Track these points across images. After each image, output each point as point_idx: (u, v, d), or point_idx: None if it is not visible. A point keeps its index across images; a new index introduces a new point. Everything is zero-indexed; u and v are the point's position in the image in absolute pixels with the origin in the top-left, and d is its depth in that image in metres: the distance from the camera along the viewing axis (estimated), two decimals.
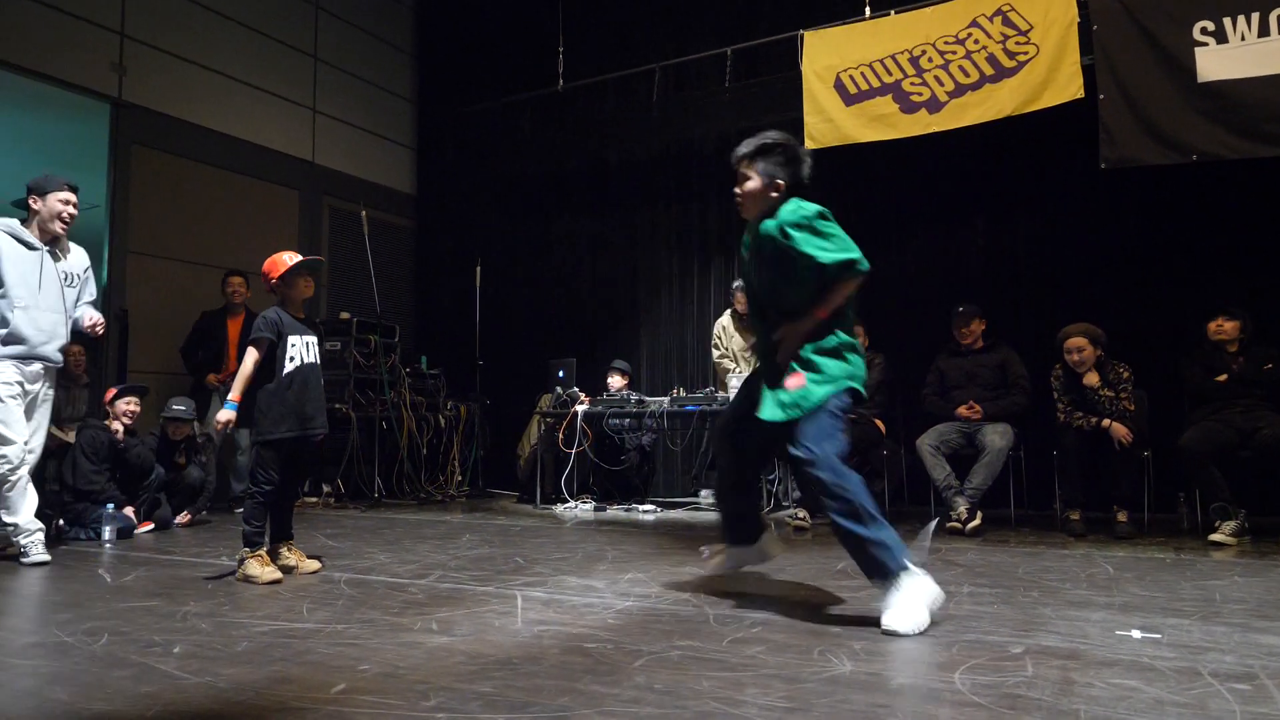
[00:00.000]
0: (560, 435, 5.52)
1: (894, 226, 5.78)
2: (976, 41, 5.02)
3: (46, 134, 6.59)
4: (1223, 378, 4.06)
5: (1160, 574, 2.98)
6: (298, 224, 6.94)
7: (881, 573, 2.18)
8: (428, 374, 6.66)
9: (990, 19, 4.99)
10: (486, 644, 2.08)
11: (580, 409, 5.50)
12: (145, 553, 3.71)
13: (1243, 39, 4.29)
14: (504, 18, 7.68)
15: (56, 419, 5.15)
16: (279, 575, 2.93)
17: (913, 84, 5.18)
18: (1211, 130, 4.34)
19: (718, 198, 6.65)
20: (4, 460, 3.38)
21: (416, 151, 8.14)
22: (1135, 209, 5.17)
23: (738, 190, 2.49)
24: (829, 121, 5.40)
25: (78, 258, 3.78)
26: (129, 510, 4.25)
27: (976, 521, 4.14)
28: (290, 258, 3.14)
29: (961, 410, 4.47)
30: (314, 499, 5.74)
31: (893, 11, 5.40)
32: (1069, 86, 4.73)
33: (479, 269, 7.11)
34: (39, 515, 3.53)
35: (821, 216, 2.34)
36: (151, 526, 4.37)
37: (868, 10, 5.54)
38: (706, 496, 5.89)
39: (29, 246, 3.54)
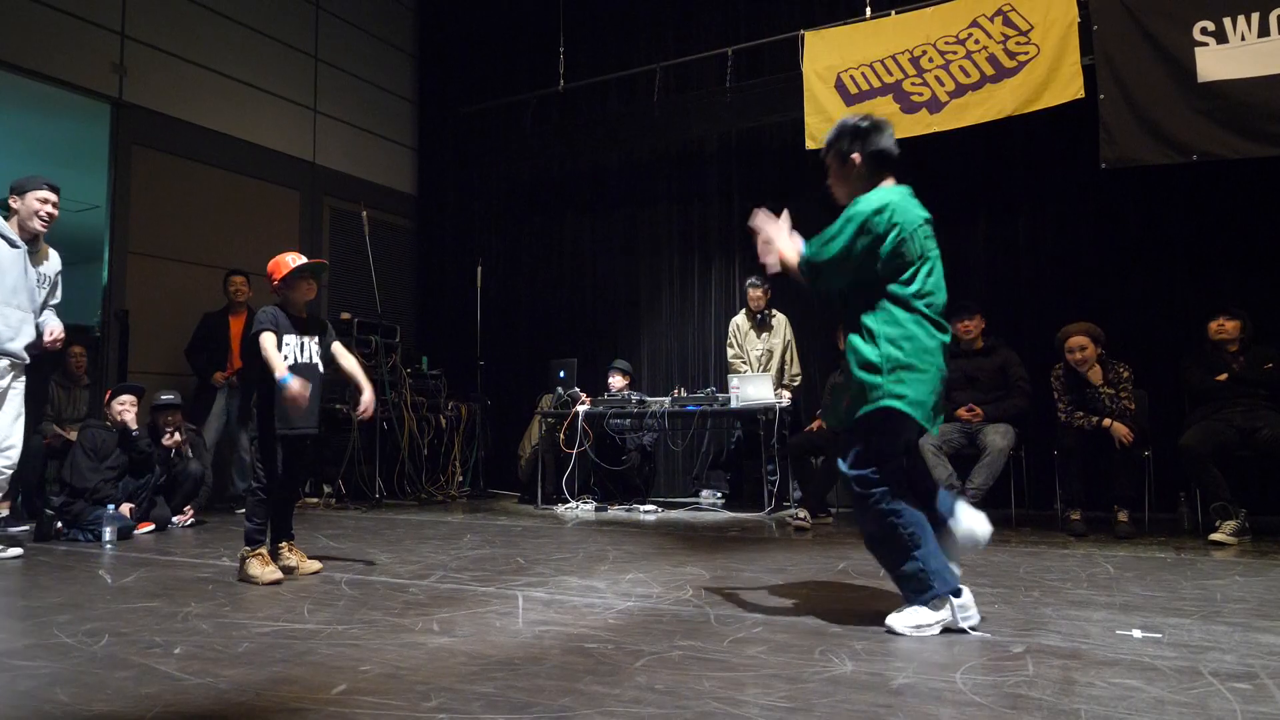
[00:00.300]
0: (561, 435, 5.52)
1: None
2: (977, 42, 5.03)
3: (47, 134, 6.60)
4: (1223, 377, 4.06)
5: (1161, 573, 2.98)
6: (298, 224, 6.95)
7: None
8: (428, 374, 6.66)
9: (991, 19, 5.00)
10: (488, 644, 2.08)
11: (581, 409, 5.50)
12: (145, 553, 3.71)
13: (1243, 39, 4.29)
14: (505, 18, 7.68)
15: (58, 419, 5.16)
16: (279, 575, 2.93)
17: (913, 84, 5.18)
18: (1211, 130, 4.34)
19: (719, 198, 6.66)
20: None
21: (417, 152, 8.15)
22: (1135, 209, 5.17)
23: (828, 182, 2.41)
24: (830, 122, 5.34)
25: (52, 262, 3.76)
26: (126, 509, 4.24)
27: None
28: (294, 259, 3.14)
29: (961, 413, 4.47)
30: (315, 499, 5.75)
31: (893, 12, 5.40)
32: (1069, 86, 4.73)
33: (480, 269, 7.12)
34: (39, 514, 3.53)
35: (862, 215, 2.18)
36: (151, 527, 4.37)
37: (868, 10, 5.55)
38: (707, 497, 5.90)
39: (11, 244, 3.54)
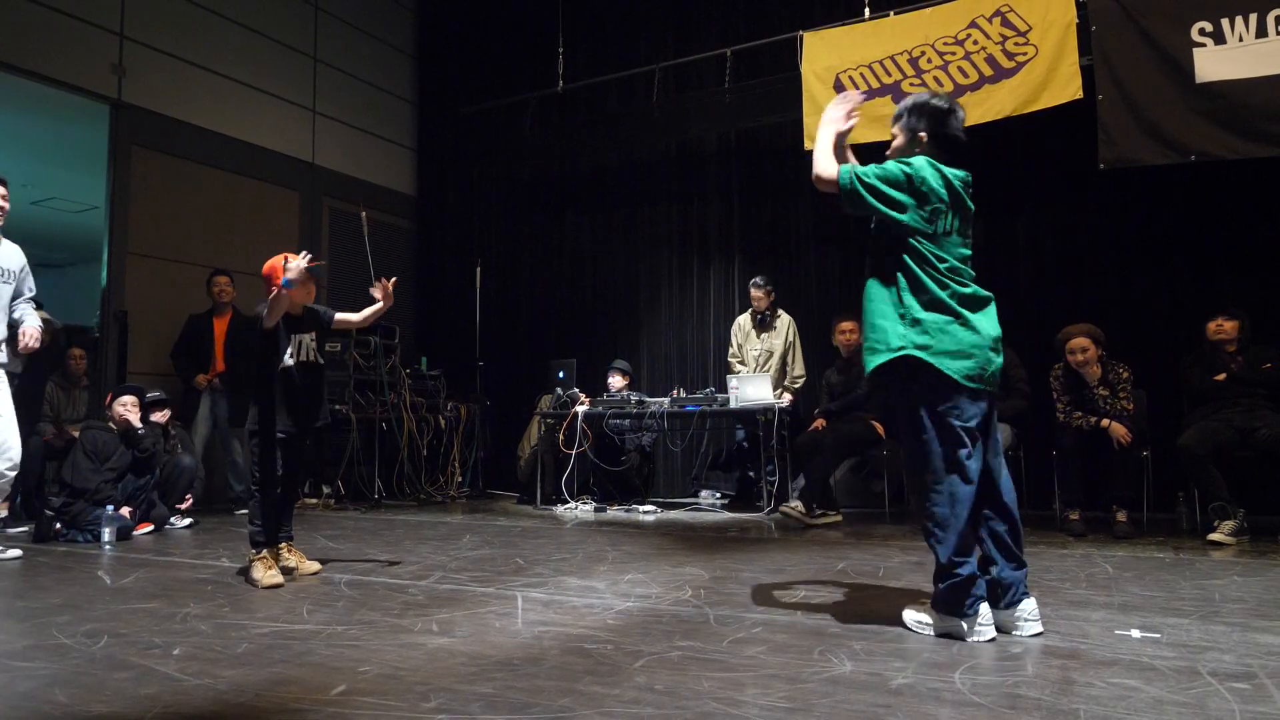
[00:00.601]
0: (560, 436, 5.52)
1: None
2: (976, 42, 5.03)
3: (46, 135, 6.59)
4: (1221, 377, 4.07)
5: (1159, 573, 2.99)
6: (298, 225, 6.94)
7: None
8: (428, 375, 6.66)
9: (989, 20, 5.00)
10: (487, 645, 2.08)
11: (580, 409, 5.50)
12: (144, 554, 3.71)
13: (1240, 40, 4.30)
14: (504, 18, 7.69)
15: (57, 420, 5.16)
16: (280, 580, 2.92)
17: (912, 85, 5.18)
18: (1210, 130, 4.35)
19: (718, 198, 6.66)
20: None
21: (416, 152, 8.14)
22: (1134, 209, 5.17)
23: (887, 153, 2.40)
24: None
25: (11, 254, 3.66)
26: (126, 512, 4.24)
27: None
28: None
29: None
30: (314, 500, 5.74)
31: (892, 13, 5.40)
32: (1068, 87, 4.74)
33: (479, 270, 7.12)
34: (39, 515, 3.52)
35: (902, 171, 2.21)
36: (150, 528, 4.37)
37: (867, 11, 5.55)
38: (706, 497, 5.90)
39: None
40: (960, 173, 2.28)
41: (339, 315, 3.31)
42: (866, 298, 2.30)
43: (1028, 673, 1.82)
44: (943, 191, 2.21)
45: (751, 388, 5.11)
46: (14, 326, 3.59)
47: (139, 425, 4.34)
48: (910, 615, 2.21)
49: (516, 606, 2.53)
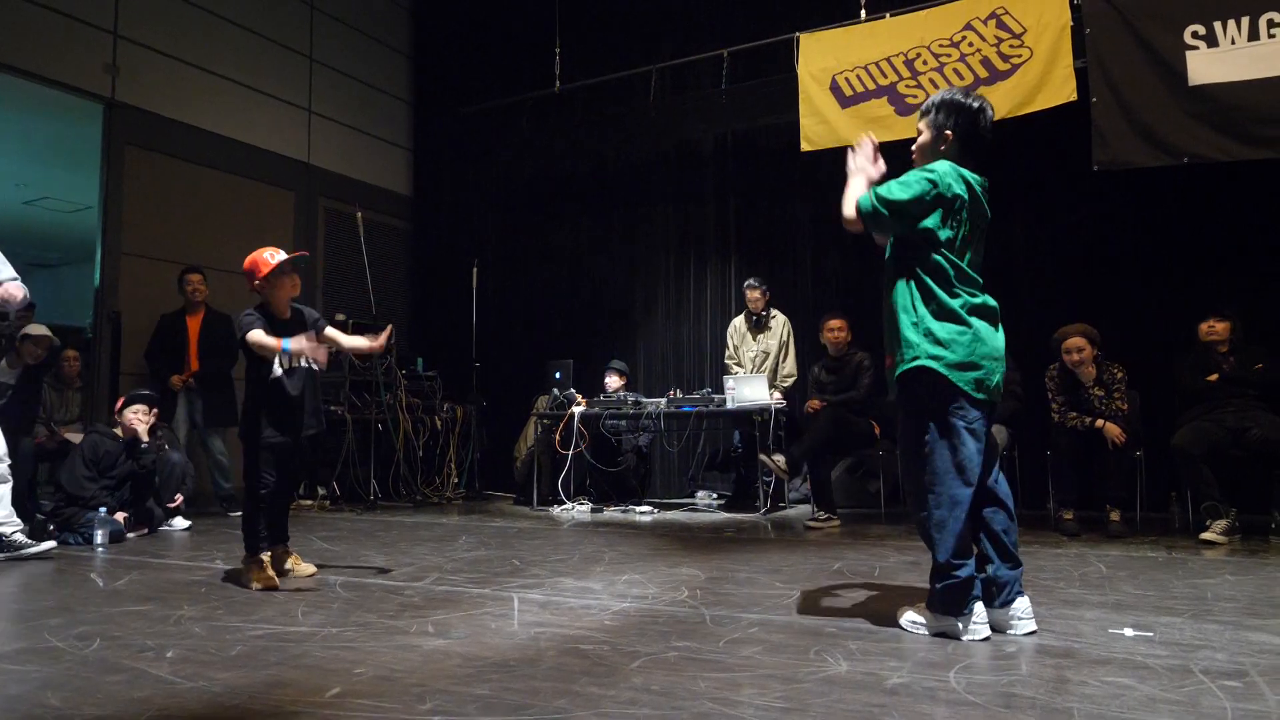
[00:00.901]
0: (557, 436, 5.51)
1: None
2: (971, 44, 5.05)
3: (39, 135, 6.57)
4: (1214, 378, 4.09)
5: (1152, 573, 3.00)
6: (293, 225, 6.93)
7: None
8: (424, 375, 6.65)
9: (984, 22, 5.02)
10: (483, 646, 2.08)
11: (577, 410, 5.50)
12: (137, 556, 3.70)
13: (1233, 43, 4.32)
14: (501, 19, 7.68)
15: (49, 421, 5.13)
16: (275, 583, 2.89)
17: (908, 86, 5.20)
18: (1202, 133, 4.37)
19: (715, 199, 6.67)
20: None
21: (413, 153, 8.13)
22: (1127, 211, 5.19)
23: (913, 148, 2.39)
24: (825, 123, 5.42)
25: None
26: (121, 517, 4.19)
27: None
28: (273, 255, 2.98)
29: None
30: (309, 502, 5.72)
31: (888, 14, 5.42)
32: (1062, 89, 4.76)
33: (475, 270, 7.11)
34: (30, 518, 3.50)
35: (926, 179, 2.19)
36: (144, 531, 4.34)
37: (863, 13, 5.56)
38: (703, 498, 5.90)
39: None
40: (981, 178, 2.29)
41: (329, 331, 3.13)
42: (890, 307, 2.27)
43: (1022, 672, 1.83)
44: (965, 196, 2.22)
45: (748, 388, 5.12)
46: None
47: (145, 439, 4.25)
48: (905, 615, 2.22)
49: (513, 607, 2.53)
